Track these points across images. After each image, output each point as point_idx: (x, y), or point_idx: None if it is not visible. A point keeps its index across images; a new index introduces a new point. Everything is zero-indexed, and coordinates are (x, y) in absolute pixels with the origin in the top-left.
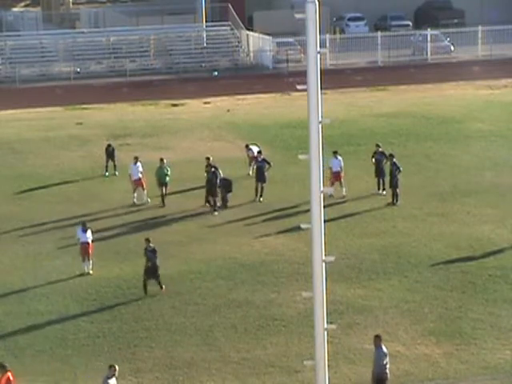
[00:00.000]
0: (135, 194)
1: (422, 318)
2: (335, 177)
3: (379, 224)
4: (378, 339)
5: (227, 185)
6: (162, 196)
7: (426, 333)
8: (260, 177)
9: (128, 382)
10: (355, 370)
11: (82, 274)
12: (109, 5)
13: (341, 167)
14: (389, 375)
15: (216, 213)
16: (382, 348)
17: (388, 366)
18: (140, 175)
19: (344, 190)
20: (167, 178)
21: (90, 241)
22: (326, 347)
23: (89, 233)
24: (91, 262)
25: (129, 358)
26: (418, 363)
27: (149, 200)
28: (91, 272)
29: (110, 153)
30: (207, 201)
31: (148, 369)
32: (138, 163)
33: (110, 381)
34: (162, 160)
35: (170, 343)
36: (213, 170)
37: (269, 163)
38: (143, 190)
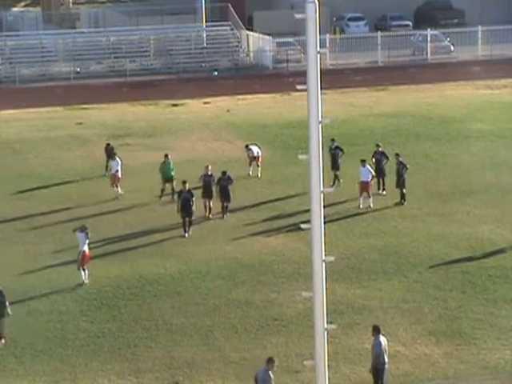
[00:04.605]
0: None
1: (422, 318)
2: (364, 187)
3: (379, 224)
4: (374, 329)
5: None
6: (163, 191)
7: (425, 333)
8: (334, 164)
9: (128, 382)
10: (355, 370)
11: (79, 284)
12: (109, 5)
13: (372, 176)
14: (386, 365)
15: (186, 234)
16: (379, 338)
17: (386, 356)
18: (115, 171)
19: (371, 200)
20: (172, 173)
21: (87, 249)
22: (326, 347)
23: (88, 235)
24: (87, 271)
25: (129, 358)
26: (418, 363)
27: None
28: (86, 282)
29: (108, 152)
30: (183, 223)
31: (148, 369)
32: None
33: (270, 372)
34: (166, 156)
35: (169, 343)
36: (188, 189)
37: (342, 150)
38: (116, 185)
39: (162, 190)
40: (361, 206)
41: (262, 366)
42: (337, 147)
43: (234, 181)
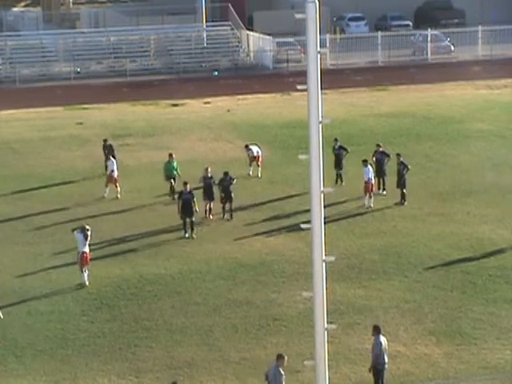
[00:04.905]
0: (116, 189)
1: (422, 318)
2: (366, 186)
3: (379, 224)
4: (374, 329)
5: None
6: (171, 188)
7: (426, 333)
8: (338, 164)
9: (128, 382)
10: (355, 370)
11: (80, 285)
12: (109, 5)
13: (369, 177)
14: (386, 365)
15: (187, 234)
16: (379, 338)
17: (386, 356)
18: (111, 171)
19: (372, 200)
20: (175, 172)
21: (87, 250)
22: (326, 347)
23: (87, 236)
24: (88, 272)
25: (129, 358)
26: (419, 363)
27: (119, 195)
28: (87, 283)
29: (106, 150)
30: (184, 224)
31: (148, 369)
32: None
33: (280, 369)
34: (170, 155)
35: (170, 343)
36: (189, 189)
37: (346, 149)
38: (115, 185)
39: (171, 188)
40: (366, 204)
41: (262, 366)
42: (340, 147)
43: (235, 180)
